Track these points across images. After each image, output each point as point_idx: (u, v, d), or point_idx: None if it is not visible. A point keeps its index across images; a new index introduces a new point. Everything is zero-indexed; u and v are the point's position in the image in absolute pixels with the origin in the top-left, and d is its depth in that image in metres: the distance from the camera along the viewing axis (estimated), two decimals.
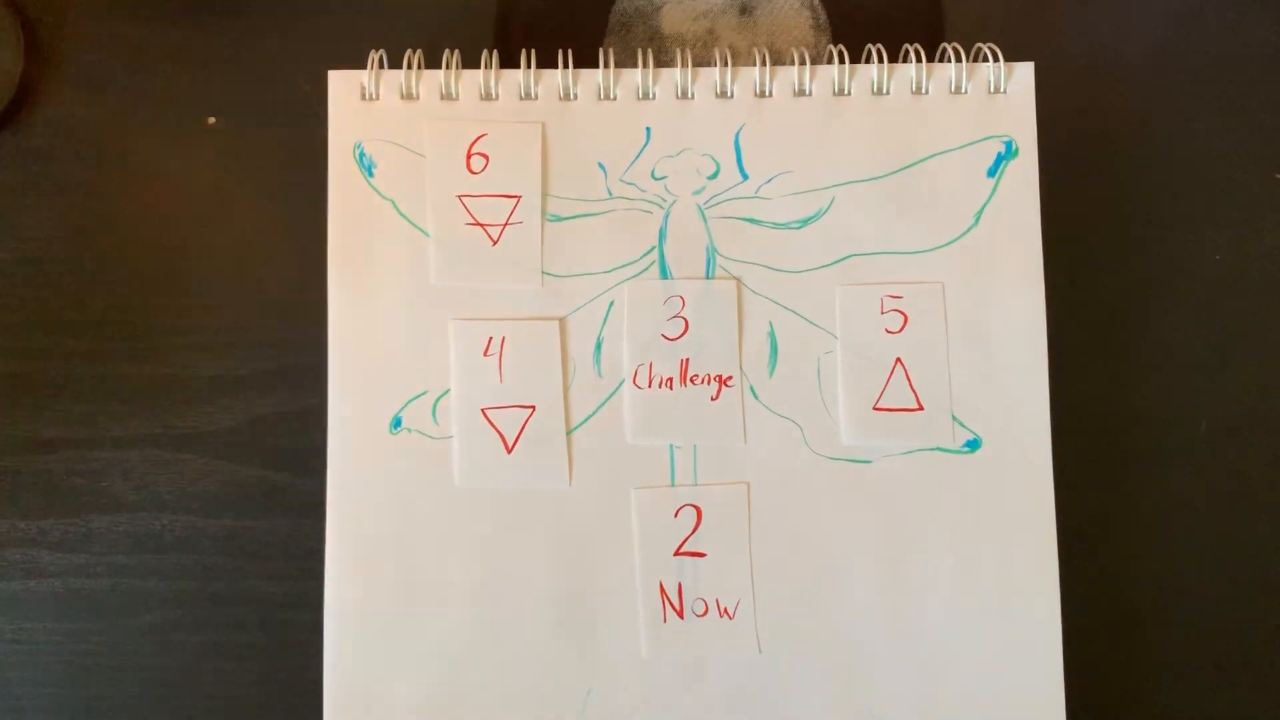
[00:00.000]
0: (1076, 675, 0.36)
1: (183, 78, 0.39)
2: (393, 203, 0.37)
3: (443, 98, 0.37)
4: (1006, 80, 0.37)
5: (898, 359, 0.37)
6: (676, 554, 0.36)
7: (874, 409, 0.36)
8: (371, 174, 0.37)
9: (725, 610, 0.36)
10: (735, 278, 0.37)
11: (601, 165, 0.37)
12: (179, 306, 0.39)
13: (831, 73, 0.37)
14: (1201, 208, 0.39)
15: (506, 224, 0.37)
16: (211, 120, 0.39)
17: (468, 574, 0.36)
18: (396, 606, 0.36)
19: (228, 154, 0.39)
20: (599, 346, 0.37)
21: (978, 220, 0.37)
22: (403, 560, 0.36)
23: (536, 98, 0.37)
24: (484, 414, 0.36)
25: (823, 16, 0.40)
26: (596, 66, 0.37)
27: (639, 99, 0.37)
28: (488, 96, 0.37)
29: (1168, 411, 0.38)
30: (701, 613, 0.36)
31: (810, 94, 0.37)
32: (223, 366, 0.38)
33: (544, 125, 0.37)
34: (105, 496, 0.38)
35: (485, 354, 0.37)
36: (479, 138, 0.37)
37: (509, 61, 0.38)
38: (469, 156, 0.37)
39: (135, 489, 0.38)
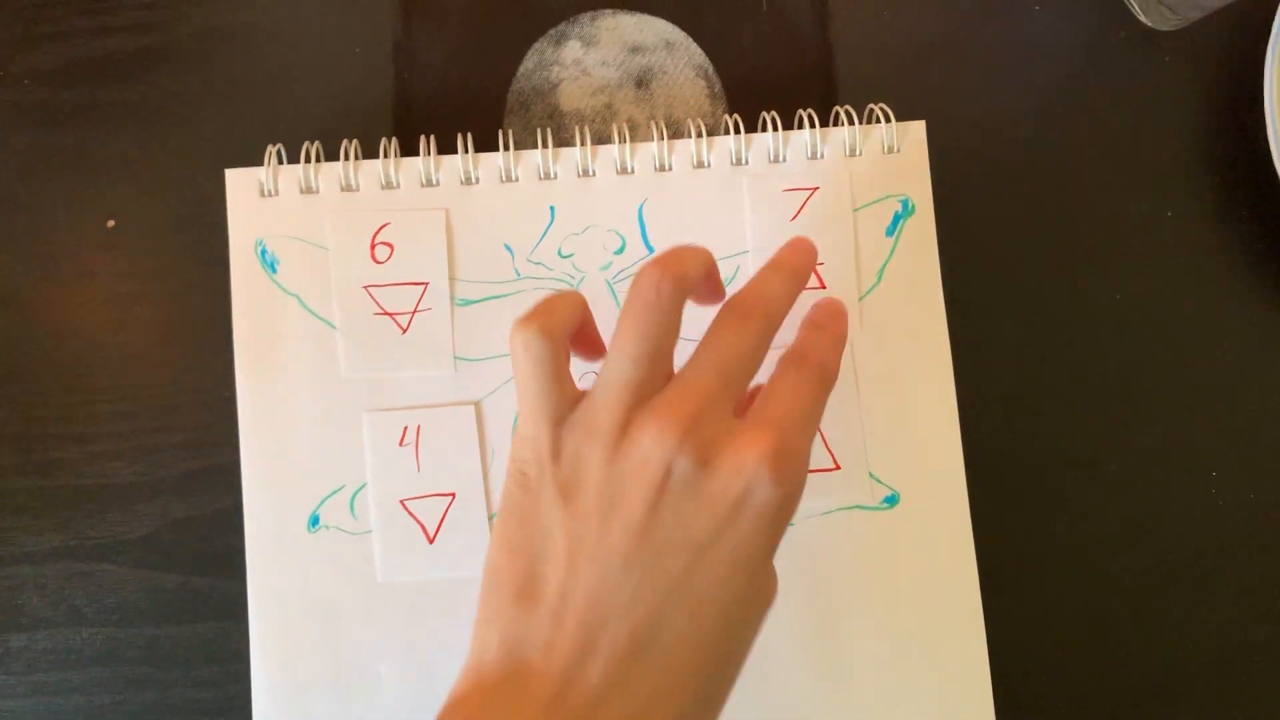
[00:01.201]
0: (1008, 712, 0.36)
1: (80, 182, 0.39)
2: (298, 298, 0.37)
3: (343, 189, 0.37)
4: (900, 140, 0.38)
5: None
6: None
7: None
8: (275, 270, 0.37)
9: None
10: None
11: (508, 246, 0.37)
12: (88, 414, 0.38)
13: (729, 143, 0.38)
14: (1097, 248, 0.40)
15: (415, 311, 0.37)
16: (111, 223, 0.39)
17: (397, 667, 0.36)
18: (328, 707, 0.35)
19: (130, 255, 0.39)
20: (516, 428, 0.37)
21: (880, 278, 0.37)
22: (330, 658, 0.35)
23: (438, 184, 0.37)
24: (403, 505, 0.36)
25: (718, 85, 0.40)
26: (497, 147, 0.37)
27: (541, 179, 0.38)
28: (389, 185, 0.37)
29: (1079, 452, 0.39)
30: None
31: (709, 165, 0.38)
32: (136, 473, 0.38)
33: (447, 211, 0.37)
34: (22, 614, 0.37)
35: (401, 444, 0.36)
36: (382, 227, 0.37)
37: (409, 149, 0.38)
38: (373, 246, 0.37)
39: (52, 604, 0.37)
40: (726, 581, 0.27)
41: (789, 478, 0.28)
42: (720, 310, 0.30)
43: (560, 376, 0.29)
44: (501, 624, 0.28)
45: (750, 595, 0.28)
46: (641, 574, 0.27)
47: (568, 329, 0.30)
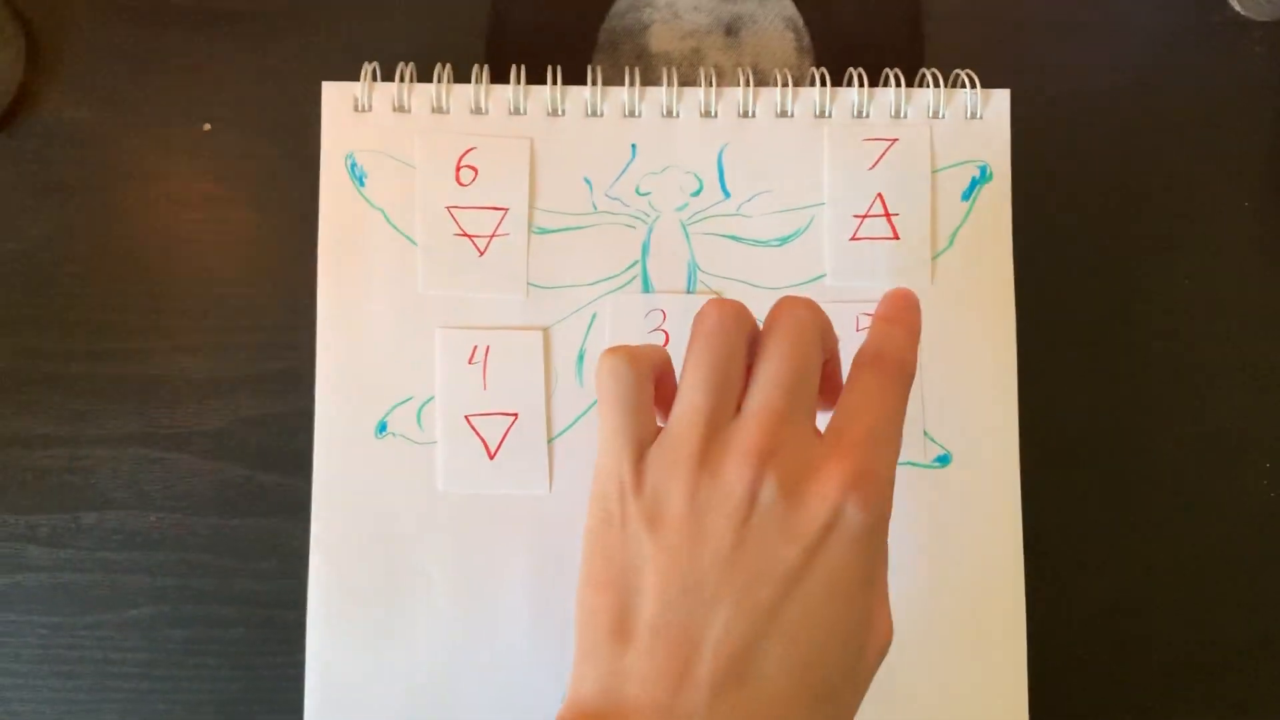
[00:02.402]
0: (1041, 688, 0.37)
1: (179, 84, 0.40)
2: (383, 212, 0.38)
3: (434, 111, 0.38)
4: (983, 106, 0.38)
5: None
6: None
7: None
8: (363, 184, 0.38)
9: None
10: (716, 292, 0.38)
11: (587, 180, 0.38)
12: (171, 309, 0.39)
13: (813, 95, 0.38)
14: (1172, 234, 0.40)
15: (494, 235, 0.38)
16: (207, 126, 0.40)
17: (449, 577, 0.37)
18: (378, 608, 0.37)
19: (222, 159, 0.40)
20: (581, 357, 0.38)
21: (952, 242, 0.38)
22: (385, 562, 0.37)
23: (525, 113, 0.38)
24: (468, 420, 0.37)
25: (806, 39, 0.41)
26: (585, 84, 0.38)
27: (625, 116, 0.38)
28: (478, 111, 0.38)
29: (1137, 430, 0.39)
30: None
31: (792, 115, 0.38)
32: (212, 369, 0.39)
33: (532, 140, 0.38)
34: (94, 493, 0.39)
35: (470, 362, 0.37)
36: (468, 151, 0.38)
37: (499, 77, 0.39)
38: (458, 169, 0.38)
39: (124, 486, 0.39)
40: (821, 611, 0.27)
41: (876, 502, 0.28)
42: (855, 368, 0.30)
43: (643, 407, 0.29)
44: (597, 660, 0.28)
45: (851, 627, 0.28)
46: (733, 605, 0.27)
47: (654, 366, 0.30)
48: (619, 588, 0.28)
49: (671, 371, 0.31)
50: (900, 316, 0.31)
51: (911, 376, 0.30)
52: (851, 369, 0.30)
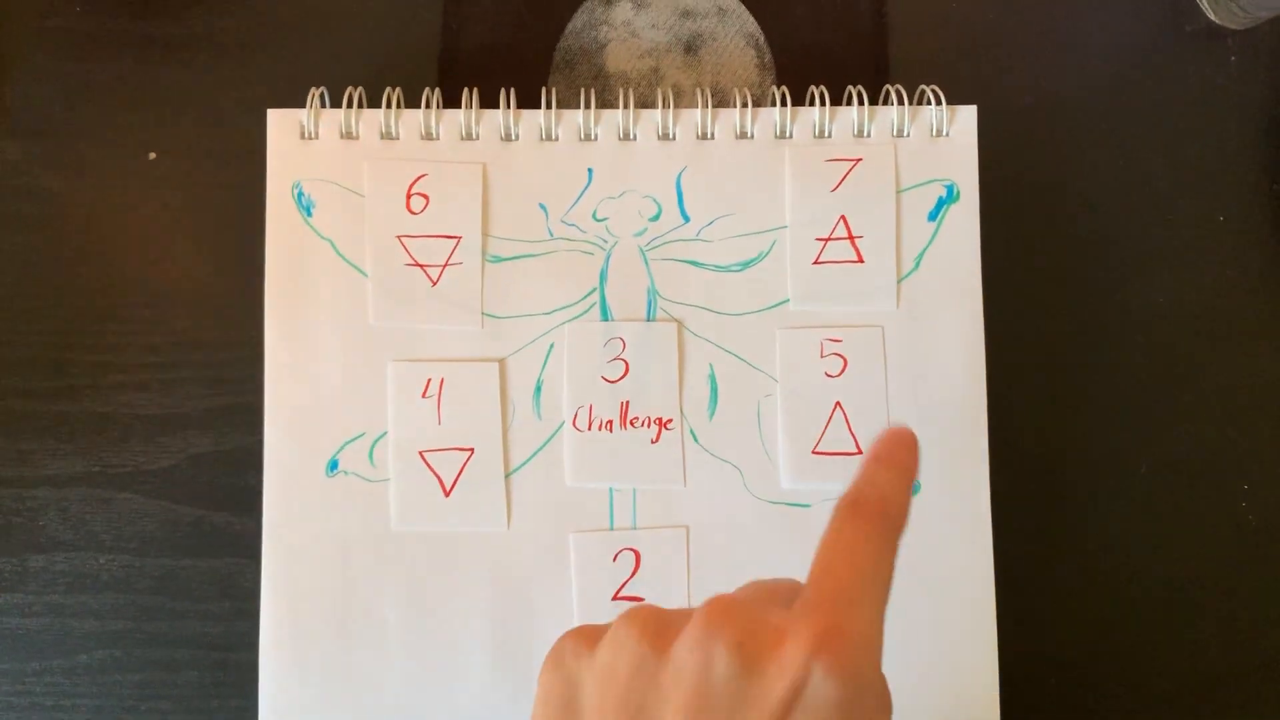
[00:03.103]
0: (1014, 714, 0.36)
1: (122, 113, 0.39)
2: (331, 243, 0.37)
3: (383, 137, 0.37)
4: (949, 124, 0.37)
5: (837, 402, 0.37)
6: (615, 597, 0.36)
7: (813, 452, 0.36)
8: (310, 213, 0.37)
9: None
10: (676, 320, 0.37)
11: (543, 206, 0.37)
12: (117, 344, 0.38)
13: (774, 115, 0.37)
14: (1147, 250, 0.39)
15: (446, 264, 0.37)
16: (152, 155, 0.39)
17: (404, 617, 0.36)
18: (333, 650, 0.36)
19: (168, 189, 0.39)
20: (539, 388, 0.37)
21: (918, 264, 0.37)
22: (339, 602, 0.36)
23: (478, 138, 0.37)
24: (422, 456, 0.36)
25: (768, 55, 0.40)
26: (539, 105, 0.37)
27: (581, 140, 0.37)
28: (429, 136, 0.37)
29: (1108, 452, 0.39)
30: None
31: (752, 136, 0.37)
32: (161, 405, 0.38)
33: (485, 166, 0.37)
34: (42, 535, 0.38)
35: (424, 395, 0.36)
36: (419, 178, 0.37)
37: (451, 100, 0.38)
38: (409, 196, 0.37)
39: (72, 528, 0.38)
40: None
41: (847, 666, 0.23)
42: (833, 515, 0.27)
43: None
44: None
45: None
46: None
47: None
48: None
49: None
50: (891, 456, 0.28)
51: (898, 522, 0.27)
52: (831, 518, 0.27)
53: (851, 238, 0.37)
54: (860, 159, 0.37)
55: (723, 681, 0.23)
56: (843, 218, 0.37)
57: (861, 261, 0.37)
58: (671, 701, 0.24)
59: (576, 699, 0.25)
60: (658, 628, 0.25)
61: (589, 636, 0.26)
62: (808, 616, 0.24)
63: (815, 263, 0.37)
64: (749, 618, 0.24)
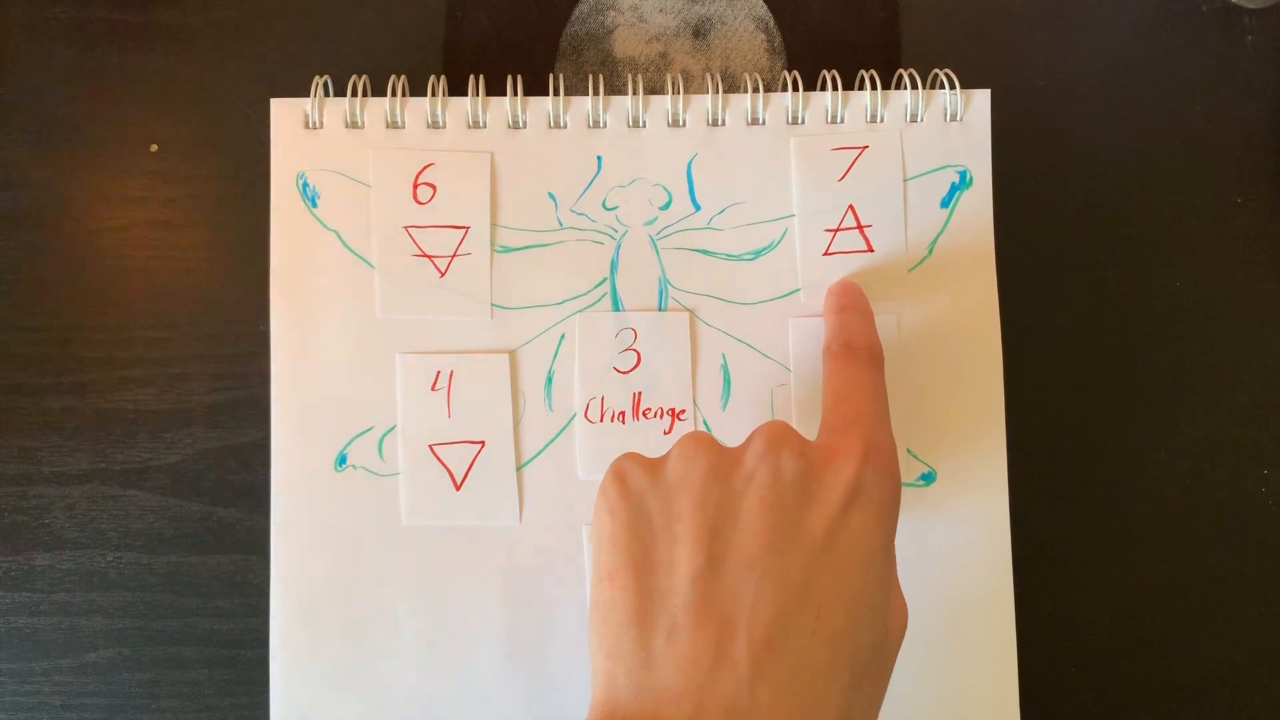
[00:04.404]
0: (1033, 710, 0.36)
1: (123, 105, 0.39)
2: (337, 234, 0.36)
3: (388, 126, 0.36)
4: (963, 108, 0.36)
5: None
6: None
7: None
8: (315, 204, 0.36)
9: None
10: (688, 309, 0.36)
11: (552, 195, 0.36)
12: (122, 339, 0.38)
13: (785, 101, 0.36)
14: (1163, 234, 0.39)
15: (454, 255, 0.36)
16: (154, 147, 0.38)
17: (415, 612, 0.35)
18: (343, 645, 0.35)
19: (170, 182, 0.38)
20: (550, 380, 0.36)
21: (931, 251, 0.36)
22: (349, 599, 0.35)
23: (485, 126, 0.36)
24: (432, 450, 0.36)
25: (778, 39, 0.39)
26: (547, 92, 0.36)
27: (589, 127, 0.37)
28: (435, 125, 0.36)
29: (1129, 441, 0.38)
30: None
31: (764, 123, 0.36)
32: (166, 400, 0.38)
33: (492, 155, 0.36)
34: (49, 533, 0.37)
35: (433, 388, 0.36)
36: (425, 167, 0.36)
37: (457, 88, 0.37)
38: (415, 186, 0.36)
39: (79, 525, 0.37)
40: (849, 580, 0.27)
41: (891, 472, 0.29)
42: (831, 359, 0.32)
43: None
44: (621, 654, 0.27)
45: (877, 600, 0.28)
46: (761, 576, 0.26)
47: None
48: (637, 573, 0.27)
49: None
50: (856, 304, 0.34)
51: (882, 358, 0.32)
52: (827, 360, 0.32)
53: (860, 227, 0.36)
54: (866, 147, 0.36)
55: (790, 482, 0.28)
56: (851, 207, 0.36)
57: (871, 250, 0.36)
58: (747, 498, 0.28)
59: (644, 506, 0.28)
60: (720, 446, 0.29)
61: (646, 460, 0.29)
62: (848, 433, 0.29)
63: (825, 253, 0.36)
64: (799, 437, 0.29)
